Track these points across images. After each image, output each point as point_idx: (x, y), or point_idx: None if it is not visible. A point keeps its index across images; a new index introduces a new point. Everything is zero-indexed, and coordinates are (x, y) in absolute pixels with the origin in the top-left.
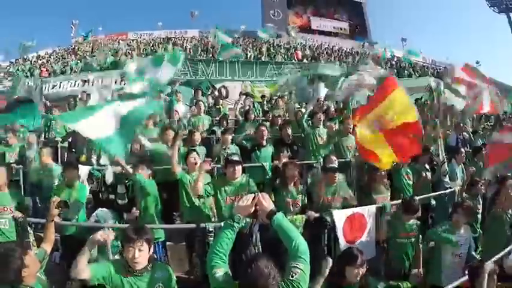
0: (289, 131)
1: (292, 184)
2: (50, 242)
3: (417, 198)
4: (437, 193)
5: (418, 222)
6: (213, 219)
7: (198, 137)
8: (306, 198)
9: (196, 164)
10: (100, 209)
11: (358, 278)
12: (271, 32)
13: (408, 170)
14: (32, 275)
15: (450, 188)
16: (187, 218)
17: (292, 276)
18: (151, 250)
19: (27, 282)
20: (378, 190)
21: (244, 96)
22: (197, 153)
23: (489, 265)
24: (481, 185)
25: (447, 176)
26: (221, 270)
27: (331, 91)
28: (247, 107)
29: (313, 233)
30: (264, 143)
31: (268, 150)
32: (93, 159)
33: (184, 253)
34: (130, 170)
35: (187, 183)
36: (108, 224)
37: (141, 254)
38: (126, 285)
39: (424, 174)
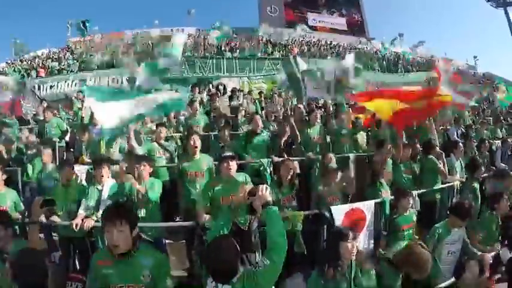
0: (287, 127)
1: (287, 181)
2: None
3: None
4: (438, 187)
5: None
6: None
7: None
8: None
9: (196, 147)
10: None
11: (353, 255)
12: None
13: (408, 165)
14: None
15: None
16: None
17: (255, 268)
18: (135, 232)
19: None
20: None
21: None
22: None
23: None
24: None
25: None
26: None
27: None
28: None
29: (312, 229)
30: (259, 131)
31: (263, 136)
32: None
33: (183, 250)
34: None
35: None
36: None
37: (121, 236)
38: (107, 273)
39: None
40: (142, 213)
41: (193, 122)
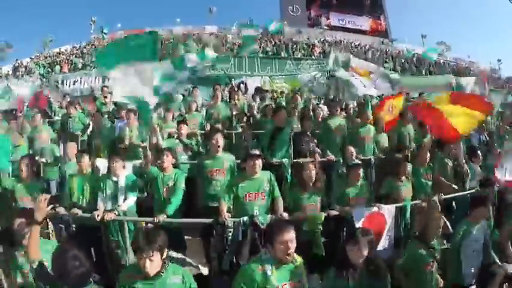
0: (310, 124)
1: (310, 185)
2: (34, 251)
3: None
4: (460, 194)
5: None
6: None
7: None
8: (325, 197)
9: (219, 146)
10: None
11: (361, 260)
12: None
13: (428, 170)
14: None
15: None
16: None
17: None
18: (165, 255)
19: None
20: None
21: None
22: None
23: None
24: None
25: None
26: None
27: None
28: (266, 103)
29: (333, 230)
30: (283, 125)
31: (287, 131)
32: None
33: (201, 247)
34: (160, 140)
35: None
36: (128, 217)
37: (152, 263)
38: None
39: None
40: (169, 201)
41: (214, 108)
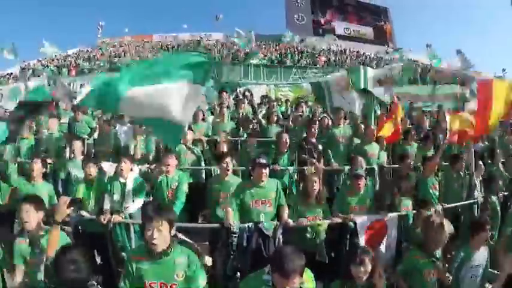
0: (315, 129)
1: (313, 197)
2: (51, 250)
3: (441, 207)
4: (466, 202)
5: None
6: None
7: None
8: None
9: (228, 170)
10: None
11: (365, 278)
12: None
13: (435, 180)
14: None
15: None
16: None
17: None
18: (173, 231)
19: None
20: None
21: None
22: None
23: None
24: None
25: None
26: None
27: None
28: (272, 110)
29: (336, 238)
30: (285, 150)
31: (286, 158)
32: None
33: (206, 253)
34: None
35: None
36: (134, 220)
37: (160, 235)
38: (142, 269)
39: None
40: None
41: (221, 127)
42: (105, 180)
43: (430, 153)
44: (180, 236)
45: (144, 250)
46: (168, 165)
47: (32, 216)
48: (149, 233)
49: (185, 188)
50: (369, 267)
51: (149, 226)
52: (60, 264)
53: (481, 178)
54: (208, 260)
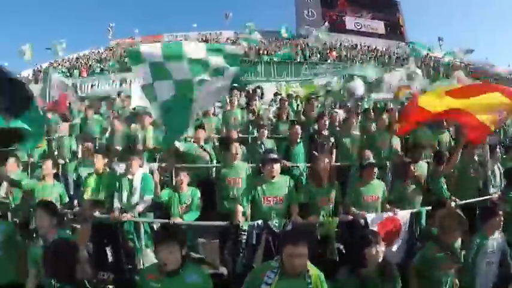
0: (326, 121)
1: (324, 180)
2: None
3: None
4: (480, 198)
5: None
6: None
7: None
8: (340, 196)
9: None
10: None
11: (380, 258)
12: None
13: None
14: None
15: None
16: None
17: None
18: (184, 251)
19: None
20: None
21: (279, 97)
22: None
23: None
24: None
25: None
26: None
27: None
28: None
29: (346, 234)
30: (297, 140)
31: (301, 147)
32: None
33: (216, 250)
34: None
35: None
36: (143, 219)
37: (171, 256)
38: (153, 287)
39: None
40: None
41: (231, 114)
42: (115, 177)
43: (445, 135)
44: (191, 254)
45: (157, 269)
46: (182, 181)
47: (44, 221)
48: (160, 255)
49: (199, 202)
50: (383, 247)
51: (160, 249)
52: (51, 258)
53: (502, 169)
54: None
